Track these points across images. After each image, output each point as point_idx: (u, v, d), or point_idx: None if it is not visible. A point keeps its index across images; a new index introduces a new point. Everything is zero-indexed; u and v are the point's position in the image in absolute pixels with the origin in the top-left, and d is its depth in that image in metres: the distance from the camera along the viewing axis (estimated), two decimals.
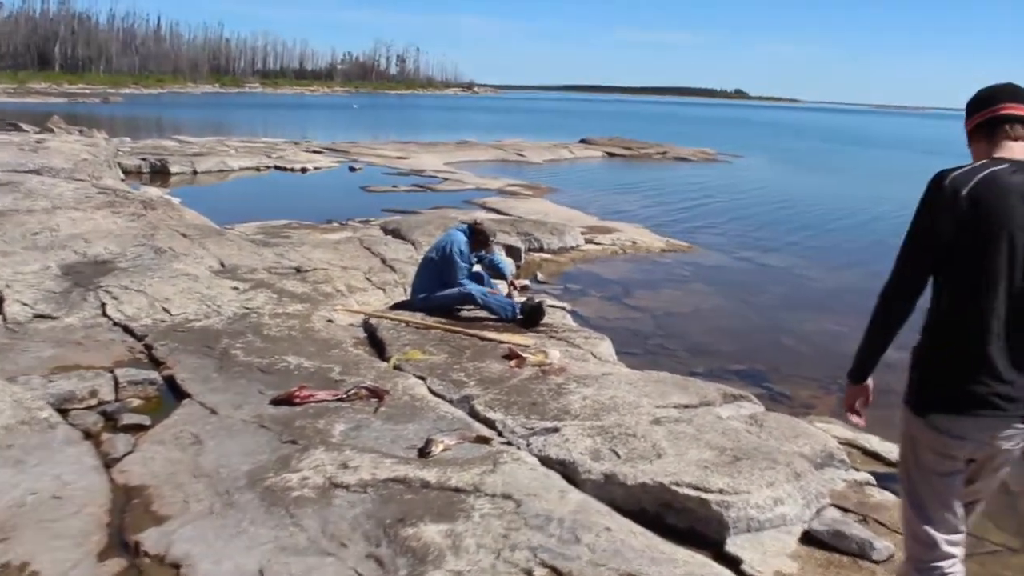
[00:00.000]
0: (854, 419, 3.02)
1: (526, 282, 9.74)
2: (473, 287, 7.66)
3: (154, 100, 72.02)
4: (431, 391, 5.57)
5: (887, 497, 4.60)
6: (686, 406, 5.39)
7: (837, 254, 14.11)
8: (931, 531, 2.82)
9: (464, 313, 7.63)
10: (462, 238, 7.78)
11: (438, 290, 7.63)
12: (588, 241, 13.10)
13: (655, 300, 10.09)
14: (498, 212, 15.21)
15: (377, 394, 5.27)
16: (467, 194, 18.26)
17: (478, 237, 7.88)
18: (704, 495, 4.12)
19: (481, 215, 13.76)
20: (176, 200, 13.72)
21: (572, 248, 12.58)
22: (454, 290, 7.60)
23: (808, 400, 6.90)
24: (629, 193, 20.92)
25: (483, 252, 8.06)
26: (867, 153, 44.44)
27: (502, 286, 8.07)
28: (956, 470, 2.79)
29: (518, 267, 10.92)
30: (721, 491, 4.13)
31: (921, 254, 2.74)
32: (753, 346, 8.43)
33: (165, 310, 7.14)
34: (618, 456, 4.50)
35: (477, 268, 8.12)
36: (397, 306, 7.87)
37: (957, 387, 2.71)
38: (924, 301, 2.83)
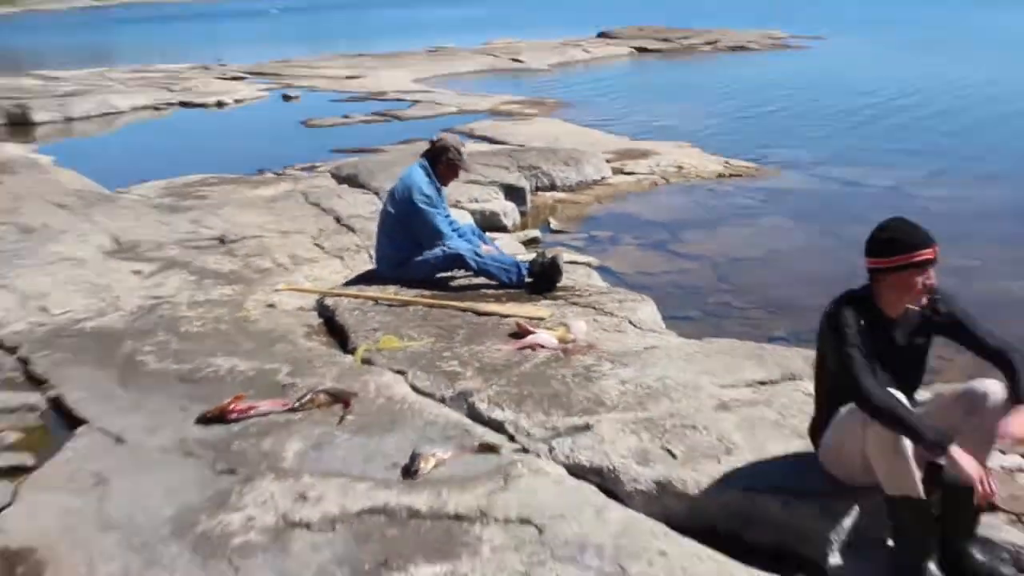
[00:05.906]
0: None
1: (535, 233, 8.13)
2: (460, 243, 6.17)
3: (3, 23, 60.58)
4: (415, 388, 4.53)
5: None
6: (763, 383, 4.40)
7: (956, 163, 11.16)
8: None
9: (456, 282, 6.12)
10: (420, 175, 6.15)
11: (411, 253, 6.16)
12: (617, 171, 10.53)
13: (713, 244, 8.13)
14: (492, 141, 12.32)
15: (342, 399, 4.33)
16: (447, 120, 14.61)
17: (441, 162, 6.08)
18: (796, 501, 3.31)
19: (469, 145, 11.11)
20: (46, 159, 11.42)
21: (595, 182, 10.19)
22: (435, 251, 6.11)
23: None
24: (670, 102, 16.84)
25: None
26: (1000, 18, 34.42)
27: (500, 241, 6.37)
28: None
29: (523, 213, 9.05)
30: (821, 494, 3.31)
31: None
32: None
33: (42, 309, 5.83)
34: (674, 457, 3.64)
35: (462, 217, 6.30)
36: (361, 279, 6.32)
37: None
38: None
